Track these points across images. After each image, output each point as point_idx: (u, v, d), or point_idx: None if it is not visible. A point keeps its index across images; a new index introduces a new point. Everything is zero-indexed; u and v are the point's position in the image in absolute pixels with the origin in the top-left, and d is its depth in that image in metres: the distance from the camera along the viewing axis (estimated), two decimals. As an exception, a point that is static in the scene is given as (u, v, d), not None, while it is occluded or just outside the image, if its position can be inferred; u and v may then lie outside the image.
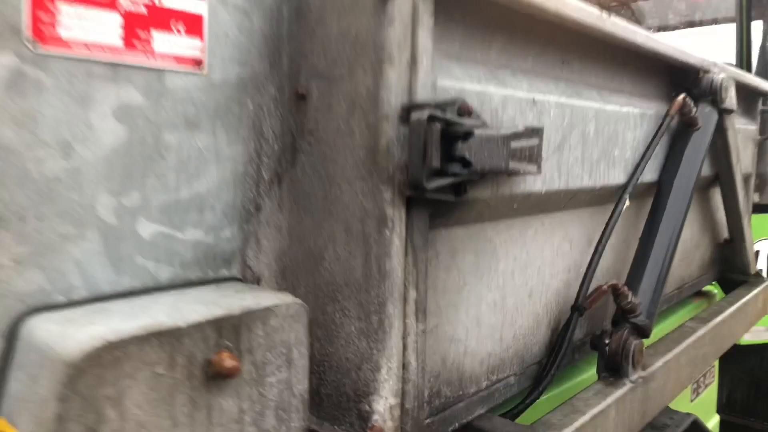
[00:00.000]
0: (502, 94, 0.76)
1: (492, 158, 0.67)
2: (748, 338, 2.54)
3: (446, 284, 0.75)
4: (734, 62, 2.57)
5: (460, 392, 0.81)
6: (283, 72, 0.68)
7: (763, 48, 2.56)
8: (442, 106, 0.64)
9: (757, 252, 2.51)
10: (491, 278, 0.83)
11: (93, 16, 0.52)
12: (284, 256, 0.70)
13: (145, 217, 0.58)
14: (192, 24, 0.59)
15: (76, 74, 0.52)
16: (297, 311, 0.59)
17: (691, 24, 3.41)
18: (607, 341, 1.03)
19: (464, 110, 0.68)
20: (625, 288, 1.03)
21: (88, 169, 0.54)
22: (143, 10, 0.55)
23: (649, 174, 1.17)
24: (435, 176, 0.63)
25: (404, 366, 0.66)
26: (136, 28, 0.55)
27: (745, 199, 1.62)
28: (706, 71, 1.27)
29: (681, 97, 1.15)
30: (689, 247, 1.51)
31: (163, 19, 0.57)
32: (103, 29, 0.53)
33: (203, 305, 0.55)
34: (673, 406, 1.36)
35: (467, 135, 0.64)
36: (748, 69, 2.48)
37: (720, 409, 2.66)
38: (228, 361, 0.52)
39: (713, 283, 1.83)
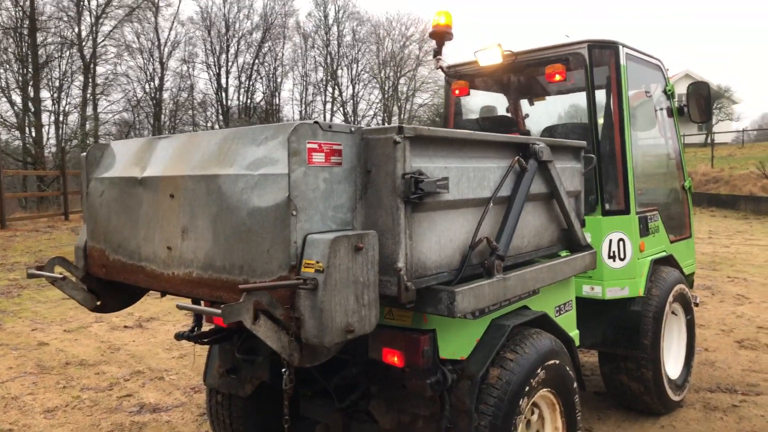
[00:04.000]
0: (433, 165, 2.17)
1: (431, 188, 2.07)
2: (610, 295, 3.97)
3: (417, 232, 2.14)
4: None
5: (423, 273, 2.19)
6: (362, 164, 2.07)
7: (607, 110, 4.08)
8: (414, 172, 2.04)
9: (610, 240, 3.97)
10: (433, 232, 2.22)
11: (322, 156, 1.91)
12: (365, 222, 2.08)
13: (333, 211, 1.96)
14: (339, 152, 1.99)
15: (319, 173, 1.91)
16: (374, 234, 1.97)
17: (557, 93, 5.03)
18: (486, 262, 2.43)
19: (420, 173, 2.08)
20: (492, 239, 2.43)
21: (317, 195, 1.92)
22: (326, 149, 1.95)
23: (506, 192, 2.59)
24: (413, 194, 2.02)
25: (406, 255, 2.04)
26: (330, 156, 1.94)
27: (571, 205, 3.07)
28: (533, 144, 2.72)
29: (516, 158, 2.59)
30: (540, 229, 2.94)
31: (332, 152, 1.96)
32: (321, 158, 1.92)
33: (352, 233, 1.93)
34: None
35: (421, 181, 2.04)
36: (594, 124, 3.99)
37: (598, 345, 4.08)
38: (360, 244, 1.90)
39: (566, 251, 3.26)
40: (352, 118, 42.06)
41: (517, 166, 2.60)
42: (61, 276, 2.50)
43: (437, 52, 4.50)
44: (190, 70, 37.30)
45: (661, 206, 4.51)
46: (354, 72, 42.17)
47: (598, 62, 4.00)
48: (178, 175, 2.23)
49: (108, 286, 2.68)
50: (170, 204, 2.25)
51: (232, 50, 38.14)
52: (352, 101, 42.40)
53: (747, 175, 21.97)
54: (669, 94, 4.76)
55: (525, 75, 4.64)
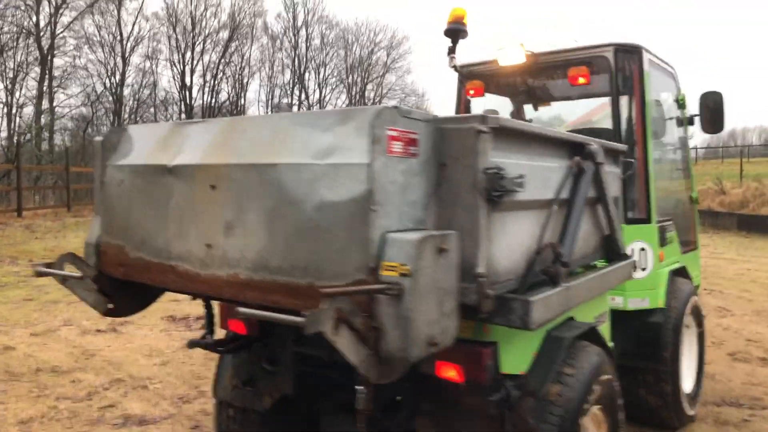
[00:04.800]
0: (508, 161, 1.98)
1: (510, 186, 1.88)
2: (632, 306, 3.86)
3: (492, 234, 1.94)
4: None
5: (496, 280, 1.99)
6: (437, 156, 1.86)
7: (629, 116, 3.99)
8: (494, 167, 1.84)
9: (632, 249, 3.86)
10: (504, 235, 2.03)
11: (400, 145, 1.70)
12: (437, 222, 1.87)
13: (408, 207, 1.75)
14: (415, 141, 1.78)
15: (398, 164, 1.69)
16: (457, 236, 1.77)
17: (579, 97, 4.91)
18: (551, 269, 2.25)
19: (499, 168, 1.89)
20: (558, 244, 2.26)
21: (395, 189, 1.70)
22: (404, 137, 1.73)
23: (565, 194, 2.42)
24: (495, 192, 1.83)
25: (486, 259, 1.84)
26: (407, 146, 1.73)
27: (615, 210, 2.93)
28: (589, 145, 2.56)
29: (576, 159, 2.43)
30: (587, 235, 2.78)
31: (410, 141, 1.75)
32: (400, 148, 1.70)
33: (437, 232, 1.71)
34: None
35: (502, 177, 1.84)
36: (618, 130, 3.89)
37: (618, 357, 3.95)
38: (444, 246, 1.69)
39: (604, 259, 3.12)
40: (319, 122, 41.69)
41: (575, 167, 2.44)
42: (78, 275, 2.20)
43: (451, 50, 4.32)
44: (153, 66, 36.34)
45: (674, 216, 4.43)
46: (321, 76, 41.89)
47: (622, 67, 3.90)
48: (221, 163, 1.97)
49: (121, 288, 2.39)
50: (211, 196, 1.99)
51: (197, 48, 37.34)
52: (318, 105, 42.06)
53: (705, 191, 22.54)
54: (680, 103, 4.71)
55: (543, 77, 4.51)
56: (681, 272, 4.35)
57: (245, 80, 39.70)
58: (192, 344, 2.80)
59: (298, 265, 1.76)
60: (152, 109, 37.74)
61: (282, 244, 1.80)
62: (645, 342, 3.86)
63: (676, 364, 3.88)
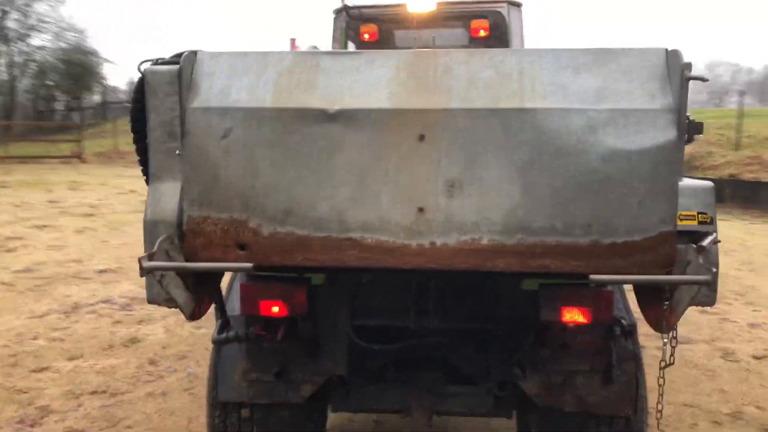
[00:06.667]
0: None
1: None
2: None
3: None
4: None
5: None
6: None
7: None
8: (690, 116, 1.91)
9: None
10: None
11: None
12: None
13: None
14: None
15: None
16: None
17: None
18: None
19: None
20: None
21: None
22: (662, 85, 1.68)
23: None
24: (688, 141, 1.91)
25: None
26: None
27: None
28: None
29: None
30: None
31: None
32: (666, 92, 1.64)
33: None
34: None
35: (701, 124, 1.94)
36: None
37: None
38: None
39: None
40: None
41: None
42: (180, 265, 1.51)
43: (345, -12, 4.04)
44: None
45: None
46: (-58, -5, 32.83)
47: (512, 21, 4.21)
48: (432, 108, 1.58)
49: (201, 281, 1.74)
50: (417, 148, 1.59)
51: None
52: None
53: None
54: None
55: (440, 27, 4.53)
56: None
57: None
58: (221, 341, 2.19)
59: (579, 223, 1.57)
60: None
61: (550, 201, 1.57)
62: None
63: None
